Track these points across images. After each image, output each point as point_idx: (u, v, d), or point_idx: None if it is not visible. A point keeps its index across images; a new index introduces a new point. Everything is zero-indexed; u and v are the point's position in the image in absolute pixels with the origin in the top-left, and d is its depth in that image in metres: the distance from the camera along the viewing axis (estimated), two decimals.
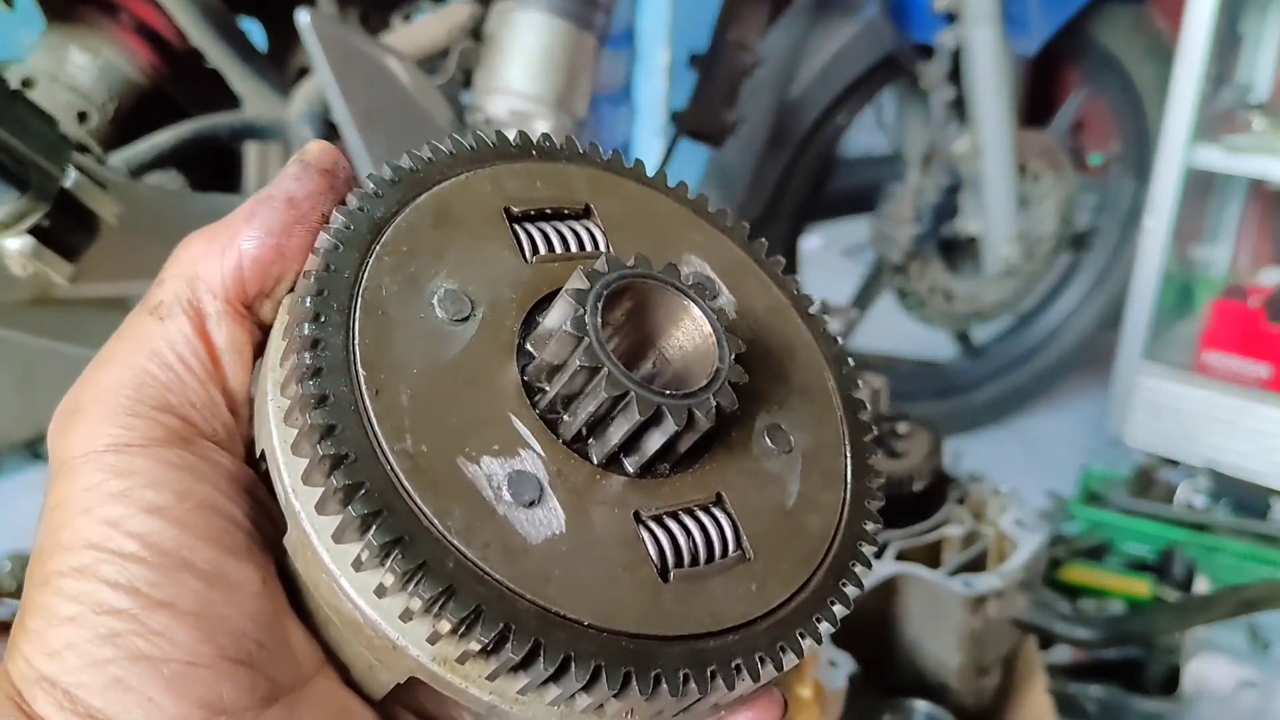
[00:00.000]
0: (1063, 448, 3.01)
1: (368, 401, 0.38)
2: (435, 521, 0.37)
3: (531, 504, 0.39)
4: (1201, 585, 1.77)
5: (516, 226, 0.45)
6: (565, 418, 0.41)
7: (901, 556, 1.30)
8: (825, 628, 0.42)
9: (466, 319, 0.42)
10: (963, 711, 1.29)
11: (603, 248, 0.46)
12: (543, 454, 0.40)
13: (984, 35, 2.49)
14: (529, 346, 0.42)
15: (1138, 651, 1.58)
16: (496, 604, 0.36)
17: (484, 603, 0.36)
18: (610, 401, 0.39)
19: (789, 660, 0.40)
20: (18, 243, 1.02)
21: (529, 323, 0.43)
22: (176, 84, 1.57)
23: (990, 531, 1.37)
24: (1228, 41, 2.88)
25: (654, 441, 0.40)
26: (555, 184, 0.47)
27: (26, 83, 1.46)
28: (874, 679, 1.21)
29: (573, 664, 0.37)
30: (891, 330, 3.12)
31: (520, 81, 1.57)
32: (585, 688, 0.37)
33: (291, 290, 0.44)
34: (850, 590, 0.43)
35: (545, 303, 0.43)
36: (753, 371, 0.42)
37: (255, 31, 1.70)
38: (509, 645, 0.36)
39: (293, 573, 0.42)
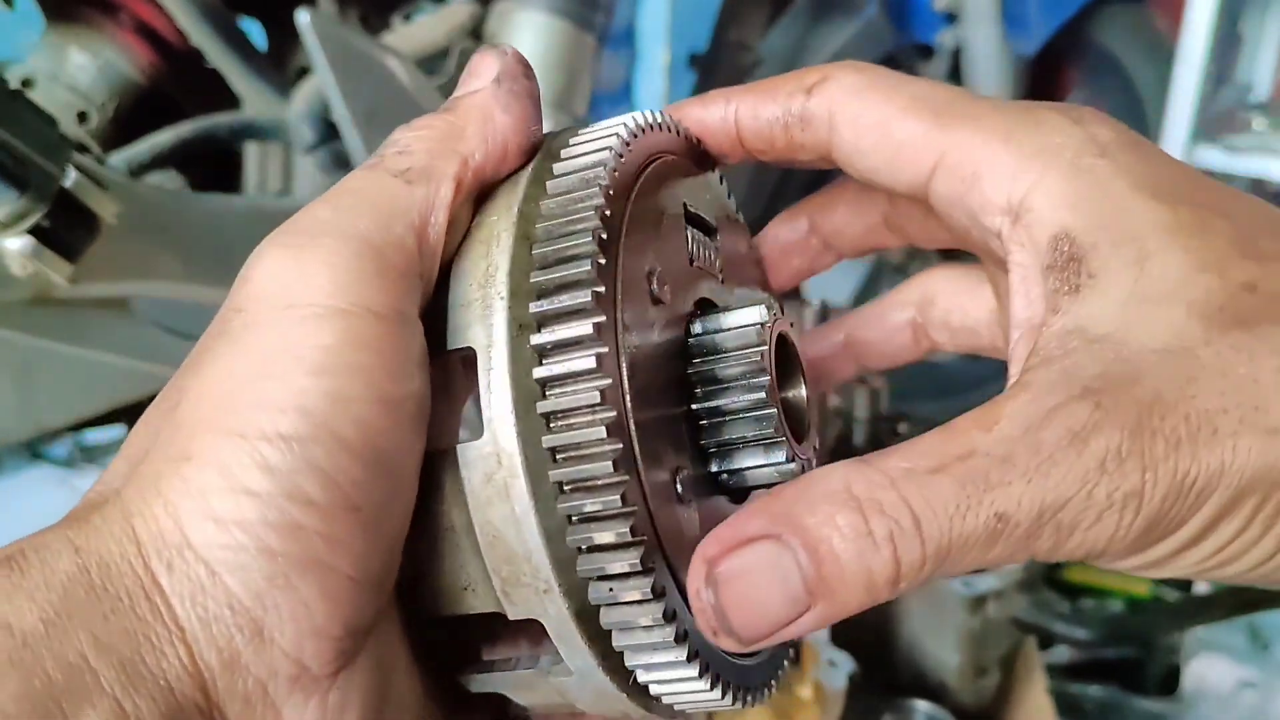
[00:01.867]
0: None
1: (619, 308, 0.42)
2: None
3: None
4: (1201, 585, 1.77)
5: (689, 227, 0.50)
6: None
7: None
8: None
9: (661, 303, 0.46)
10: (962, 711, 1.29)
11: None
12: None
13: (984, 35, 2.49)
14: (693, 342, 0.47)
15: (1137, 651, 1.58)
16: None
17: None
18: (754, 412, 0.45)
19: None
20: (17, 243, 1.02)
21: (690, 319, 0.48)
22: (176, 84, 1.57)
23: None
24: (1228, 41, 2.88)
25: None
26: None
27: (26, 83, 1.46)
28: (874, 679, 1.21)
29: None
30: None
31: None
32: None
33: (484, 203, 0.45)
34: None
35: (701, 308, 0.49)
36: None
37: (255, 31, 1.70)
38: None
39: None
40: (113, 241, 1.09)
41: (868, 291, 2.98)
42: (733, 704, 0.44)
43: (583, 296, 0.40)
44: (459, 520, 0.41)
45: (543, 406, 0.39)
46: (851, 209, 0.56)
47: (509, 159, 0.44)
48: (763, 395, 0.45)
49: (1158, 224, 0.38)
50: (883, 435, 1.47)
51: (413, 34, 1.61)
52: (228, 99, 1.54)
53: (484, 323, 0.41)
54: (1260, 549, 0.37)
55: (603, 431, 0.39)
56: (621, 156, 0.44)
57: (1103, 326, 0.38)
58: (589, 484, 0.39)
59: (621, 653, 0.41)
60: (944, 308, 0.57)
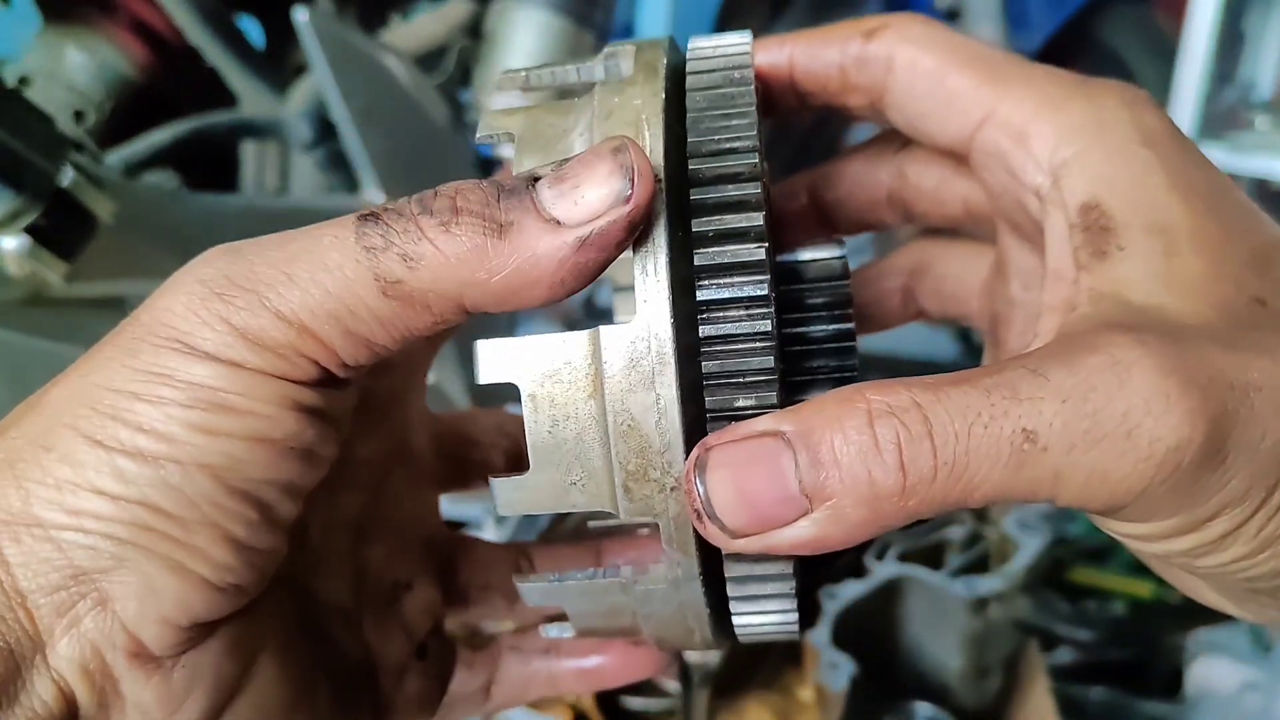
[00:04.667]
0: None
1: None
2: None
3: None
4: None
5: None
6: None
7: (903, 558, 1.29)
8: None
9: None
10: (964, 713, 1.28)
11: None
12: None
13: (986, 32, 2.48)
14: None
15: (1140, 653, 1.57)
16: None
17: None
18: None
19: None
20: (13, 242, 1.01)
21: None
22: (173, 82, 1.56)
23: (992, 533, 1.36)
24: (1230, 40, 2.87)
25: None
26: None
27: (23, 81, 1.45)
28: (875, 681, 1.21)
29: None
30: (891, 330, 3.11)
31: None
32: None
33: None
34: None
35: None
36: None
37: (253, 29, 1.70)
38: None
39: None
40: (109, 240, 1.08)
41: None
42: (799, 633, 0.43)
43: (752, 188, 0.38)
44: (583, 409, 0.38)
45: (702, 295, 0.38)
46: (855, 183, 0.56)
47: (508, 305, 0.38)
48: (849, 327, 0.44)
49: (1186, 226, 0.38)
50: None
51: (411, 32, 1.60)
52: (225, 97, 1.53)
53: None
54: (1242, 545, 0.35)
55: (767, 325, 0.37)
56: (753, 65, 0.43)
57: (1139, 296, 0.37)
58: (743, 379, 0.38)
59: (722, 564, 0.40)
60: (936, 275, 0.57)
